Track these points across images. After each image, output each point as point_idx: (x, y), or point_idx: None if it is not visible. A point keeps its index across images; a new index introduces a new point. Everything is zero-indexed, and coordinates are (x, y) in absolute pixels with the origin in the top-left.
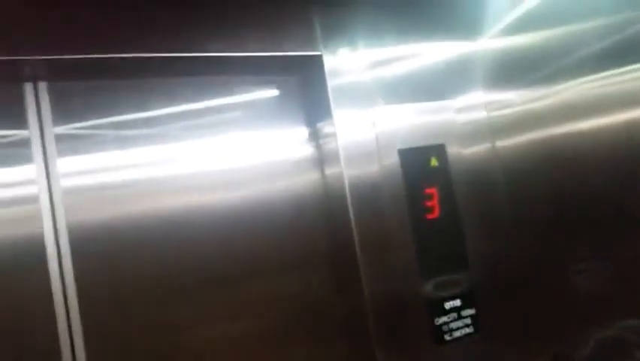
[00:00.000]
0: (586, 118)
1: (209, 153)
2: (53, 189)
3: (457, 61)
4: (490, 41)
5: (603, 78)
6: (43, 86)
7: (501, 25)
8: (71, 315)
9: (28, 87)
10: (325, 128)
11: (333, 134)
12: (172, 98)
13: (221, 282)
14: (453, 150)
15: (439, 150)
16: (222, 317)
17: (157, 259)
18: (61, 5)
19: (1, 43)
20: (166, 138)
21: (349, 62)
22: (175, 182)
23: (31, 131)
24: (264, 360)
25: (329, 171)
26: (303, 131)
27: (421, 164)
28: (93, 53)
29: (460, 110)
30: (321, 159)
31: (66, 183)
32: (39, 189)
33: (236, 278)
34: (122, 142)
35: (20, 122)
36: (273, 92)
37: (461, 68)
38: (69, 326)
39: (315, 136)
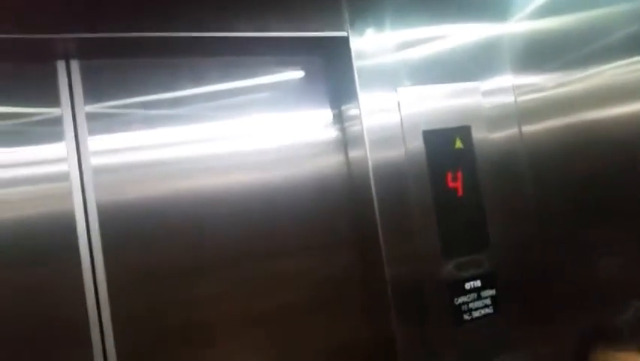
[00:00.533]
0: (614, 104)
1: (235, 134)
2: (84, 167)
3: (486, 43)
4: (520, 24)
5: (633, 64)
6: (75, 64)
7: (531, 7)
8: (100, 294)
9: (61, 65)
10: (350, 110)
11: (358, 117)
12: (199, 79)
13: (245, 260)
14: (479, 133)
15: (464, 131)
16: (248, 293)
17: (184, 238)
18: None
19: (34, 21)
20: (193, 119)
21: (376, 43)
22: (201, 162)
23: (63, 109)
24: (286, 336)
25: (353, 153)
26: (327, 113)
27: (446, 145)
28: (123, 32)
29: (487, 94)
30: (346, 141)
31: (96, 161)
32: (69, 166)
33: (260, 257)
34: (151, 121)
35: (53, 100)
36: (298, 74)
37: (490, 51)
38: (97, 303)
39: (339, 118)
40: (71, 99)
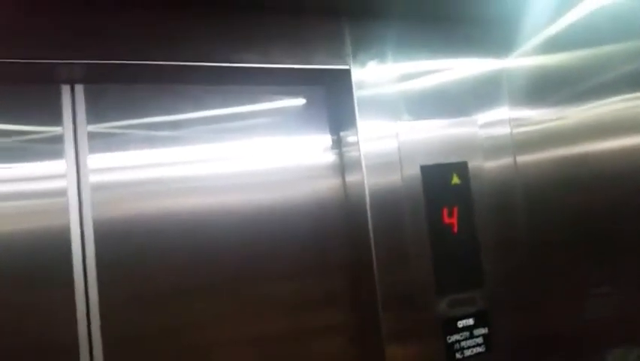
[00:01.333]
0: (609, 139)
1: (234, 156)
2: (82, 184)
3: (485, 78)
4: (519, 60)
5: (628, 100)
6: (79, 88)
7: (531, 44)
8: (91, 312)
9: (65, 88)
10: (349, 137)
11: (356, 144)
12: (201, 104)
13: (239, 281)
14: (475, 165)
15: (461, 167)
16: (240, 315)
17: (178, 257)
18: (98, 13)
19: (42, 46)
20: (192, 141)
21: (377, 74)
22: (198, 183)
23: (65, 129)
24: (275, 358)
25: (350, 178)
26: (326, 139)
27: (443, 181)
28: (129, 59)
29: (484, 126)
30: (343, 167)
31: (95, 178)
32: (68, 183)
33: (253, 278)
34: (151, 143)
35: (56, 120)
36: (299, 101)
37: (488, 85)
38: (88, 322)
39: (338, 144)
40: (74, 119)
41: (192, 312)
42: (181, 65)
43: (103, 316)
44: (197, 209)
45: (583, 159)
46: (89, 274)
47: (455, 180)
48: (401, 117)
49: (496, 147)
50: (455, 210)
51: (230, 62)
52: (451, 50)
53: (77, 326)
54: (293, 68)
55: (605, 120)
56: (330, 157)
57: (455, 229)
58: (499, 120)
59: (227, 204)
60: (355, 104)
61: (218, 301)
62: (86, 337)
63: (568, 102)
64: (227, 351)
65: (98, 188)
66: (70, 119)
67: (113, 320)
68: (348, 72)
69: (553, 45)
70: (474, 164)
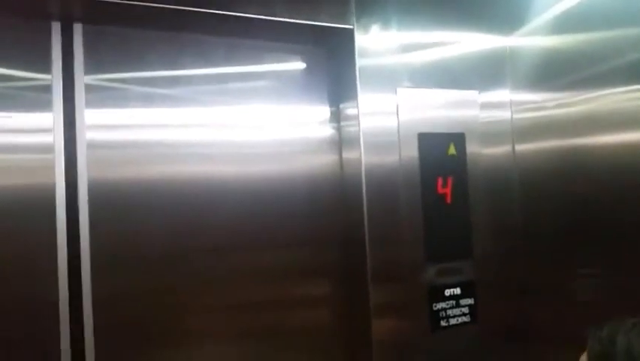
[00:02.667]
0: (613, 131)
1: (231, 122)
2: (78, 140)
3: (488, 54)
4: (524, 39)
5: (633, 91)
6: (78, 28)
7: (537, 23)
8: (83, 271)
9: (56, 28)
10: (348, 109)
11: (356, 116)
12: (202, 59)
13: (229, 249)
14: (472, 143)
15: (458, 138)
16: (227, 284)
17: (169, 221)
18: None
19: None
20: (191, 101)
21: (380, 41)
22: (190, 148)
23: (54, 77)
24: (263, 326)
25: (347, 150)
26: (325, 111)
27: (439, 150)
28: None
29: (484, 106)
30: (340, 139)
31: (91, 135)
32: (55, 139)
33: (243, 248)
34: (149, 100)
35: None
36: (299, 65)
37: (491, 63)
38: (79, 280)
39: (336, 117)
40: (70, 67)
41: (180, 276)
42: (181, 10)
43: (94, 276)
44: (184, 175)
45: (583, 149)
46: (82, 233)
47: (452, 150)
48: (402, 86)
49: (494, 129)
50: (450, 180)
51: (231, 11)
52: (456, 22)
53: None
54: (295, 23)
55: (610, 110)
56: (328, 130)
57: (448, 200)
58: (500, 103)
59: (215, 172)
60: (357, 72)
61: (205, 267)
62: (67, 296)
63: (573, 88)
64: (208, 316)
65: (94, 146)
66: (60, 66)
67: (104, 280)
68: (351, 33)
69: (560, 26)
70: (471, 139)
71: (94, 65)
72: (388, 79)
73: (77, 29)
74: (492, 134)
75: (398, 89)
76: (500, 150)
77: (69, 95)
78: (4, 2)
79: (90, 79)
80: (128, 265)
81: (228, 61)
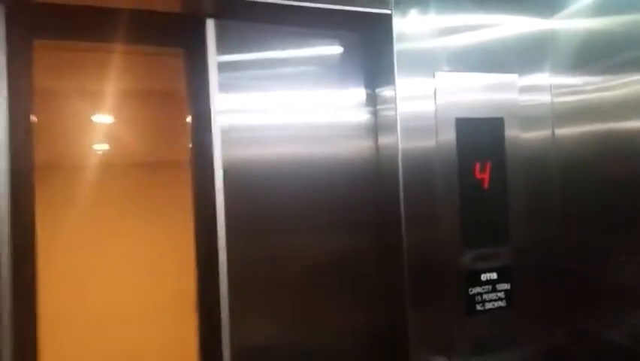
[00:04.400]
0: None
1: (278, 105)
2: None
3: (528, 37)
4: (565, 21)
5: None
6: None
7: (578, 5)
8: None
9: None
10: (385, 93)
11: (393, 100)
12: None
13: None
14: (511, 128)
15: (497, 123)
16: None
17: None
18: None
19: None
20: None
21: (418, 25)
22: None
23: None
24: (307, 304)
25: (384, 134)
26: (362, 95)
27: (477, 135)
28: None
29: (523, 90)
30: (377, 123)
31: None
32: None
33: (285, 231)
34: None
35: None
36: (336, 49)
37: (531, 46)
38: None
39: (373, 101)
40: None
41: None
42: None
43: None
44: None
45: (623, 133)
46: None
47: (491, 135)
48: (440, 69)
49: (533, 113)
50: (488, 165)
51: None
52: (496, 4)
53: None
54: (333, 10)
55: None
56: (365, 113)
57: (486, 185)
58: (540, 86)
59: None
60: (394, 56)
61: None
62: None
63: (612, 72)
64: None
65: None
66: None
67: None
68: (389, 18)
69: (601, 8)
70: (510, 124)
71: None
72: (426, 63)
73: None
74: (531, 118)
75: (436, 73)
76: (539, 134)
77: None
78: None
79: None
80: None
81: (273, 47)
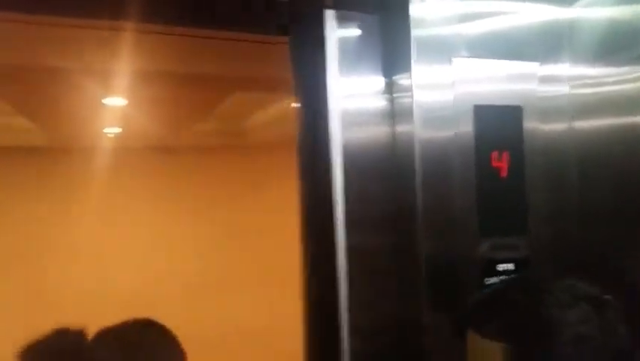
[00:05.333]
0: None
1: None
2: None
3: (549, 25)
4: (586, 10)
5: None
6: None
7: None
8: None
9: None
10: (402, 80)
11: (409, 87)
12: None
13: None
14: (529, 117)
15: (515, 111)
16: None
17: None
18: None
19: None
20: None
21: (436, 10)
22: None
23: None
24: None
25: (400, 122)
26: (378, 81)
27: (496, 123)
28: None
29: (542, 80)
30: (394, 110)
31: None
32: None
33: None
34: None
35: None
36: (353, 34)
37: (551, 34)
38: None
39: (390, 88)
40: None
41: None
42: None
43: None
44: None
45: None
46: None
47: (509, 123)
48: (458, 55)
49: (552, 104)
50: (505, 154)
51: None
52: None
53: None
54: None
55: None
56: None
57: (504, 174)
58: (559, 76)
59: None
60: (412, 40)
61: None
62: None
63: (634, 63)
64: None
65: None
66: None
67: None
68: (406, 1)
69: None
70: (528, 113)
71: None
72: (444, 49)
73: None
74: (550, 108)
75: (454, 59)
76: (558, 125)
77: None
78: None
79: None
80: None
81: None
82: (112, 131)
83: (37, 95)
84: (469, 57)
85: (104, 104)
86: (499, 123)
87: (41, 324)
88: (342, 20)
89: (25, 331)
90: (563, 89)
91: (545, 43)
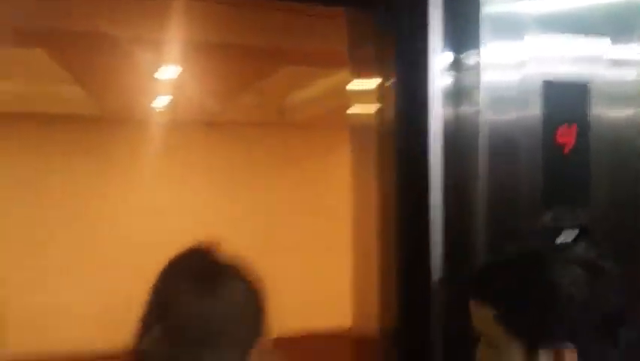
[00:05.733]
0: None
1: None
2: None
3: (622, 3)
4: None
5: None
6: None
7: None
8: None
9: None
10: (471, 57)
11: (477, 65)
12: None
13: None
14: (598, 97)
15: (583, 89)
16: None
17: None
18: None
19: None
20: None
21: None
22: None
23: None
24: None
25: (467, 97)
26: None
27: (563, 99)
28: None
29: (612, 60)
30: (461, 84)
31: None
32: None
33: None
34: None
35: None
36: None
37: (624, 13)
38: None
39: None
40: None
41: None
42: None
43: None
44: None
45: None
46: None
47: (576, 99)
48: (528, 32)
49: (622, 78)
50: (572, 130)
51: None
52: None
53: None
54: None
55: None
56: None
57: (569, 149)
58: (629, 53)
59: None
60: (480, 16)
61: None
62: None
63: None
64: None
65: None
66: None
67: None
68: None
69: None
70: (598, 88)
71: None
72: (514, 24)
73: None
74: (619, 85)
75: (522, 41)
76: (627, 102)
77: None
78: None
79: None
80: None
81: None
82: (162, 101)
83: (94, 64)
84: (539, 34)
85: (155, 77)
86: (567, 99)
87: (117, 271)
88: None
89: (108, 278)
90: (633, 71)
91: (617, 22)
